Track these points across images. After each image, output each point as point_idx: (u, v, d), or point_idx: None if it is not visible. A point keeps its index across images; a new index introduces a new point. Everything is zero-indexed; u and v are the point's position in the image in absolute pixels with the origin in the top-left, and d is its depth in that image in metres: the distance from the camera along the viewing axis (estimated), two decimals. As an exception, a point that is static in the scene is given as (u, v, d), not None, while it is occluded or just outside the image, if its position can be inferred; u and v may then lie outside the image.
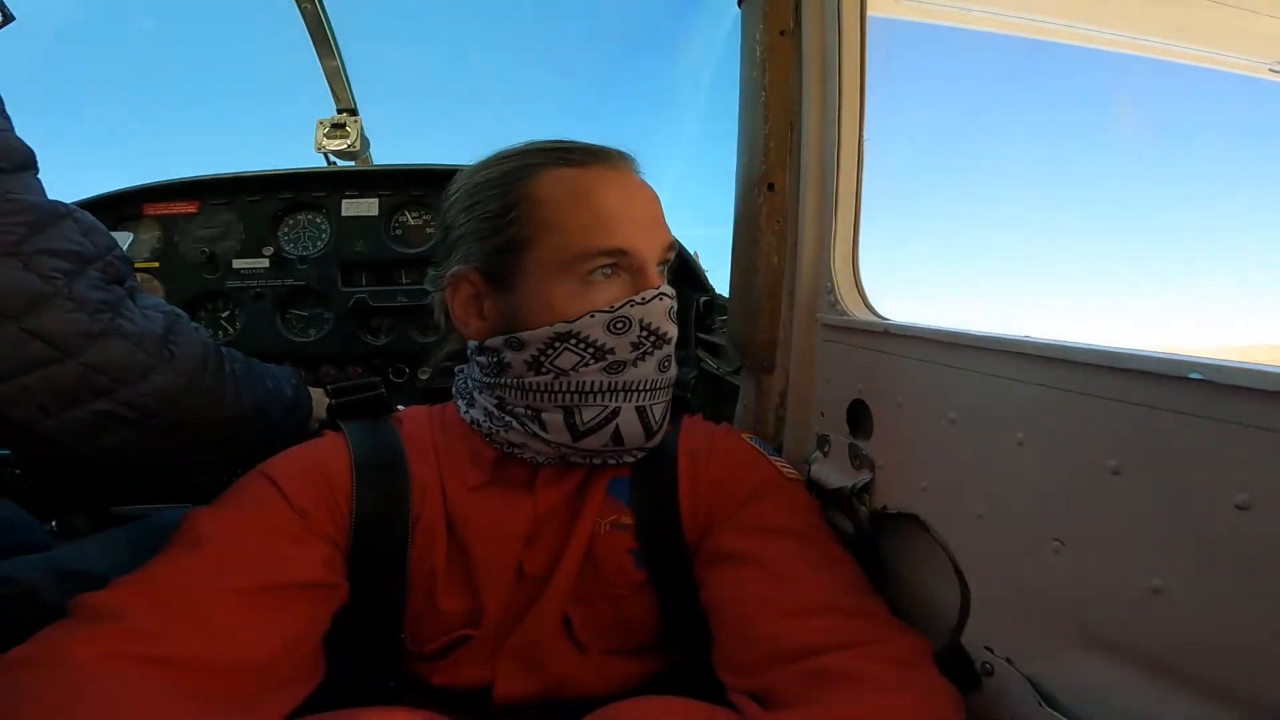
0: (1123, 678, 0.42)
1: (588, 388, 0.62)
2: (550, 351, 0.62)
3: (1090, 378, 0.42)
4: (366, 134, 1.45)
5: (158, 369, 0.61)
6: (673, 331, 0.65)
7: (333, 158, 1.41)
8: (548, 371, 0.63)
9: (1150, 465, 0.39)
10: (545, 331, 0.61)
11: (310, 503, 0.60)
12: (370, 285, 1.25)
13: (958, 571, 0.54)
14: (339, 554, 0.61)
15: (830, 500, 0.69)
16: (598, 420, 0.62)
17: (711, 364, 1.08)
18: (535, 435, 0.64)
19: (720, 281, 1.24)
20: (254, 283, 1.21)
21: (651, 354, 0.63)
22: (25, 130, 0.61)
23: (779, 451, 0.77)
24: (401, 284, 1.25)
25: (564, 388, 0.63)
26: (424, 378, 1.25)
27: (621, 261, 0.62)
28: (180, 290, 1.22)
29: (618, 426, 0.63)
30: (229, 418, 0.69)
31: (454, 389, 0.73)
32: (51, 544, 0.86)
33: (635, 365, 0.62)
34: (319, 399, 0.89)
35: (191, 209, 1.24)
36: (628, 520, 0.66)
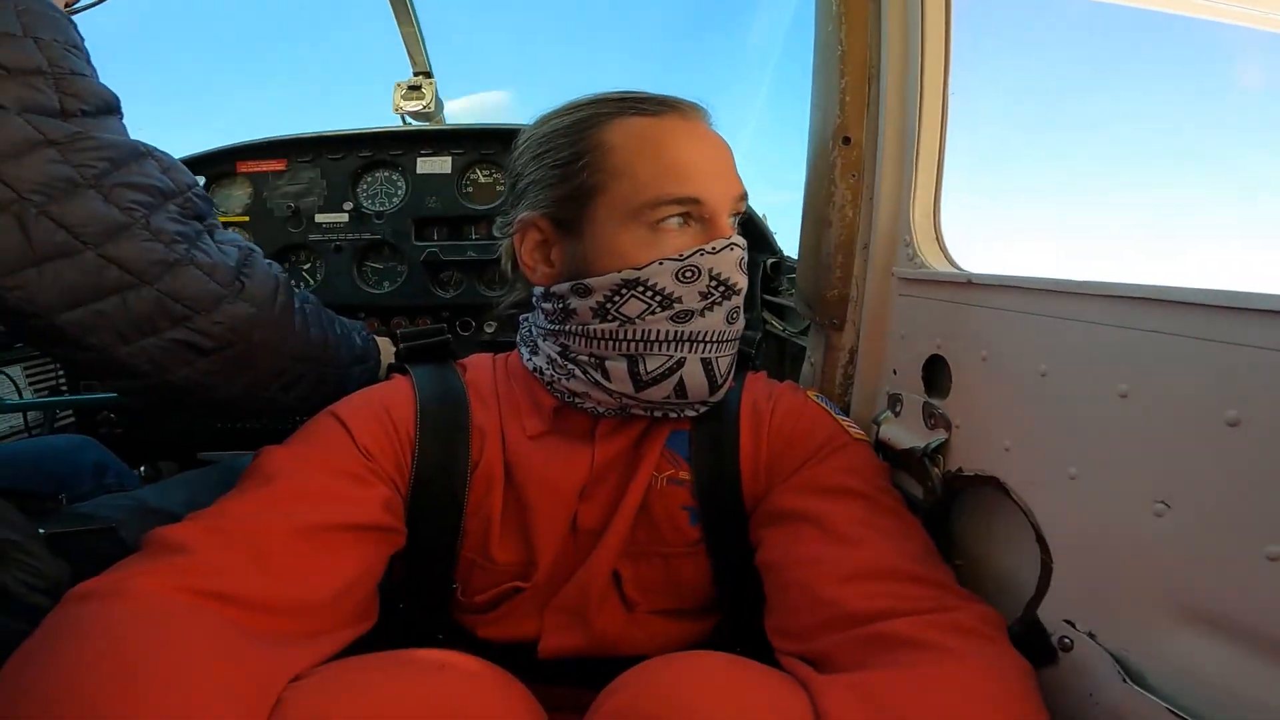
0: (1225, 656, 0.38)
1: (653, 336, 0.60)
2: (617, 298, 0.61)
3: (1209, 321, 0.38)
4: (440, 96, 1.48)
5: (230, 298, 0.63)
6: (743, 282, 0.62)
7: (408, 118, 1.44)
8: (613, 319, 0.61)
9: (1275, 416, 0.34)
10: (613, 278, 0.60)
11: (375, 444, 0.62)
12: (441, 240, 1.28)
13: (1040, 538, 0.50)
14: (399, 498, 0.62)
15: (900, 462, 0.66)
16: (662, 370, 0.61)
17: (777, 325, 1.04)
18: (598, 384, 0.63)
19: (788, 245, 1.20)
20: (334, 236, 1.26)
21: (720, 304, 0.61)
22: (131, 88, 0.64)
23: (846, 411, 0.74)
24: (471, 239, 1.28)
25: (629, 336, 0.61)
26: (489, 331, 1.28)
27: (693, 211, 0.60)
28: (267, 243, 1.28)
29: (682, 378, 0.61)
30: (299, 354, 0.70)
31: (518, 336, 0.73)
32: (138, 487, 0.94)
33: (703, 315, 0.60)
34: (386, 350, 0.91)
35: (279, 166, 1.30)
36: (685, 476, 0.65)
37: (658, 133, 0.62)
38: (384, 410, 0.64)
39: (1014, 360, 0.53)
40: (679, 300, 0.60)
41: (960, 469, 0.59)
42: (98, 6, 0.76)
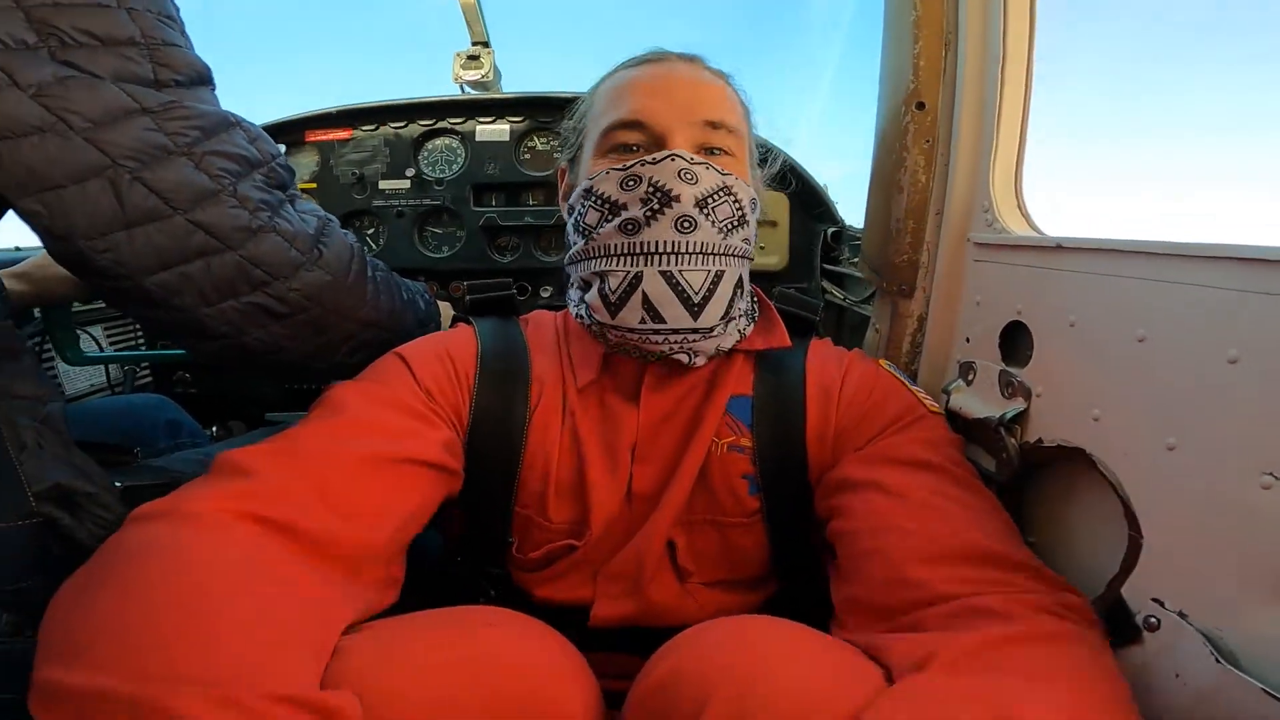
0: None
1: (610, 250, 0.62)
2: (581, 209, 0.65)
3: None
4: (498, 66, 1.48)
5: (307, 265, 0.65)
6: (684, 191, 0.60)
7: (467, 87, 1.45)
8: (582, 232, 0.65)
9: None
10: (579, 191, 0.65)
11: (436, 385, 0.64)
12: (499, 206, 1.30)
13: (1129, 513, 0.48)
14: (458, 440, 0.63)
15: (970, 433, 0.64)
16: (623, 287, 0.61)
17: (837, 294, 1.02)
18: (591, 318, 0.64)
19: (850, 216, 1.17)
20: (396, 202, 1.29)
21: (662, 213, 0.60)
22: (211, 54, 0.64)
23: (913, 380, 0.72)
24: (528, 205, 1.29)
25: (594, 251, 0.64)
26: (545, 295, 1.29)
27: (642, 137, 0.64)
28: (334, 209, 1.31)
29: (644, 294, 0.60)
30: (369, 319, 0.72)
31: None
32: (209, 445, 0.98)
33: (649, 225, 0.60)
34: (446, 314, 0.93)
35: (345, 135, 1.33)
36: (746, 443, 0.64)
37: (624, 76, 0.68)
38: (446, 354, 0.66)
39: (1107, 326, 0.50)
40: (624, 208, 0.62)
41: (1040, 440, 0.57)
42: None
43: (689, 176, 0.60)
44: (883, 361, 0.68)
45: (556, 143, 1.30)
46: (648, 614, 0.63)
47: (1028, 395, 0.58)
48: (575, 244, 0.66)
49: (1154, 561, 0.47)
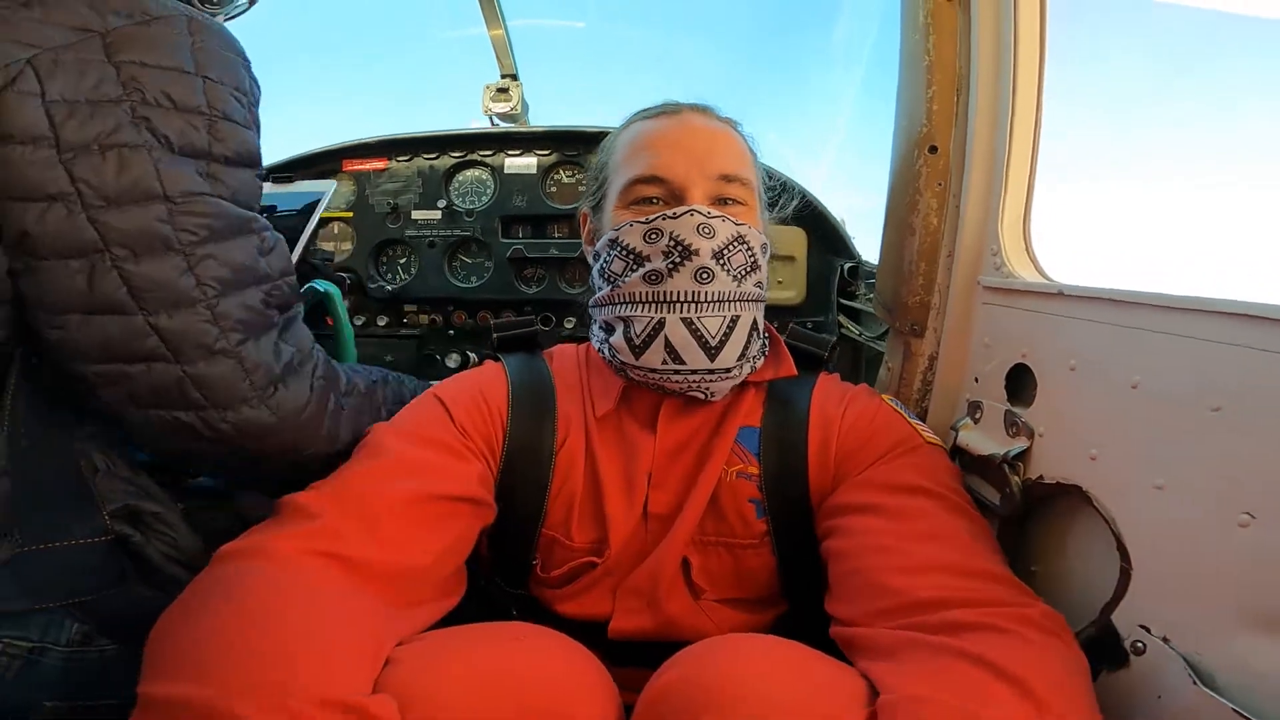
0: None
1: (634, 297, 0.68)
2: (607, 257, 0.71)
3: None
4: (525, 99, 1.55)
5: (252, 402, 0.60)
6: (702, 245, 0.65)
7: (496, 119, 1.52)
8: (608, 279, 0.71)
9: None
10: (604, 239, 0.72)
11: (471, 423, 0.69)
12: (526, 238, 1.35)
13: (1120, 546, 0.52)
14: (491, 475, 0.68)
15: (977, 468, 0.68)
16: (647, 331, 0.66)
17: (853, 329, 1.06)
18: (614, 356, 0.70)
19: (867, 250, 1.21)
20: (429, 232, 1.35)
21: (682, 265, 0.66)
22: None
23: (923, 417, 0.76)
24: (554, 238, 1.34)
25: (619, 298, 0.69)
26: (569, 326, 1.34)
27: (662, 190, 0.69)
28: (368, 237, 1.38)
29: (667, 339, 0.65)
30: (319, 454, 0.67)
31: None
32: None
33: (670, 276, 0.66)
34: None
35: (381, 165, 1.40)
36: (754, 470, 0.69)
37: (642, 130, 0.73)
38: (479, 393, 0.71)
39: (1104, 371, 0.54)
40: (648, 259, 0.67)
41: (1041, 477, 0.60)
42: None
43: (706, 231, 0.66)
44: (887, 397, 0.72)
45: (582, 176, 1.36)
46: (664, 628, 0.67)
47: (1030, 435, 0.62)
48: (601, 289, 0.72)
49: (1142, 591, 0.50)
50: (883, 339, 0.96)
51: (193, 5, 0.64)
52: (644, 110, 0.76)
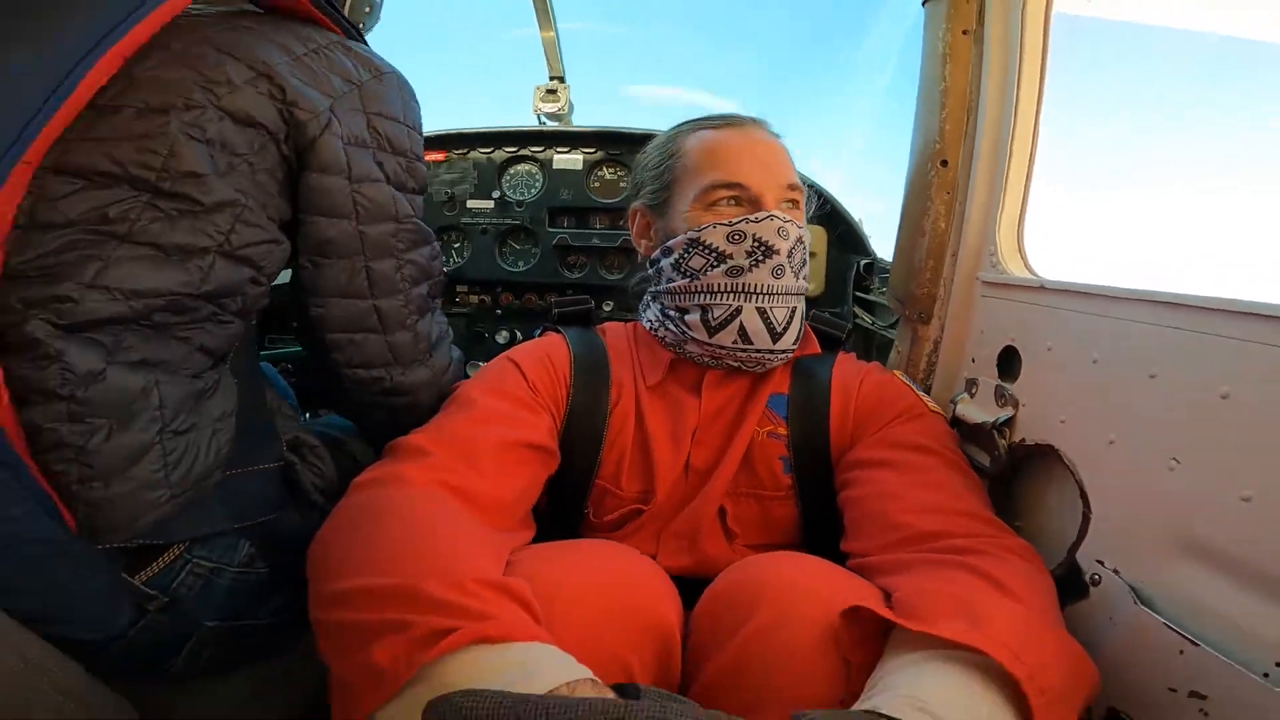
0: (1213, 583, 0.51)
1: (715, 288, 0.78)
2: (686, 254, 0.80)
3: (1211, 319, 0.51)
4: (571, 100, 1.68)
5: (422, 360, 0.80)
6: (781, 245, 0.77)
7: (544, 118, 1.64)
8: (686, 273, 0.80)
9: (1250, 393, 0.48)
10: (682, 238, 0.80)
11: (540, 382, 0.80)
12: (571, 228, 1.47)
13: (1083, 494, 0.63)
14: (556, 429, 0.79)
15: (971, 435, 0.79)
16: (725, 316, 0.77)
17: (866, 319, 1.18)
18: (684, 334, 0.80)
19: (881, 248, 1.32)
20: (482, 220, 1.48)
21: (763, 262, 0.76)
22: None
23: (927, 393, 0.87)
24: (596, 229, 1.47)
25: (698, 289, 0.79)
26: (606, 309, 1.46)
27: (741, 194, 0.78)
28: (427, 223, 1.51)
29: (741, 324, 0.77)
30: (436, 407, 0.81)
31: (640, 306, 0.92)
32: None
33: (750, 271, 0.77)
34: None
35: (439, 157, 1.52)
36: (782, 431, 0.80)
37: (716, 138, 0.83)
38: (546, 356, 0.83)
39: (1073, 350, 0.66)
40: (730, 257, 0.77)
41: (1023, 440, 0.72)
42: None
43: (784, 233, 0.78)
44: (897, 373, 0.84)
45: (624, 173, 1.48)
46: (702, 566, 0.76)
47: (1015, 405, 0.74)
48: (673, 280, 0.81)
49: (1098, 531, 0.62)
50: (892, 328, 1.08)
51: (355, 32, 0.77)
52: (704, 120, 0.85)
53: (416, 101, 0.78)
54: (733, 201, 0.79)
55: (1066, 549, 0.65)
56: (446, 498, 0.62)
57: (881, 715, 0.42)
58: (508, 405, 0.76)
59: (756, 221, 0.77)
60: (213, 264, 0.59)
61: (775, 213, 0.77)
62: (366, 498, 0.61)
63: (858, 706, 0.46)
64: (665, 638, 0.58)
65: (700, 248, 0.79)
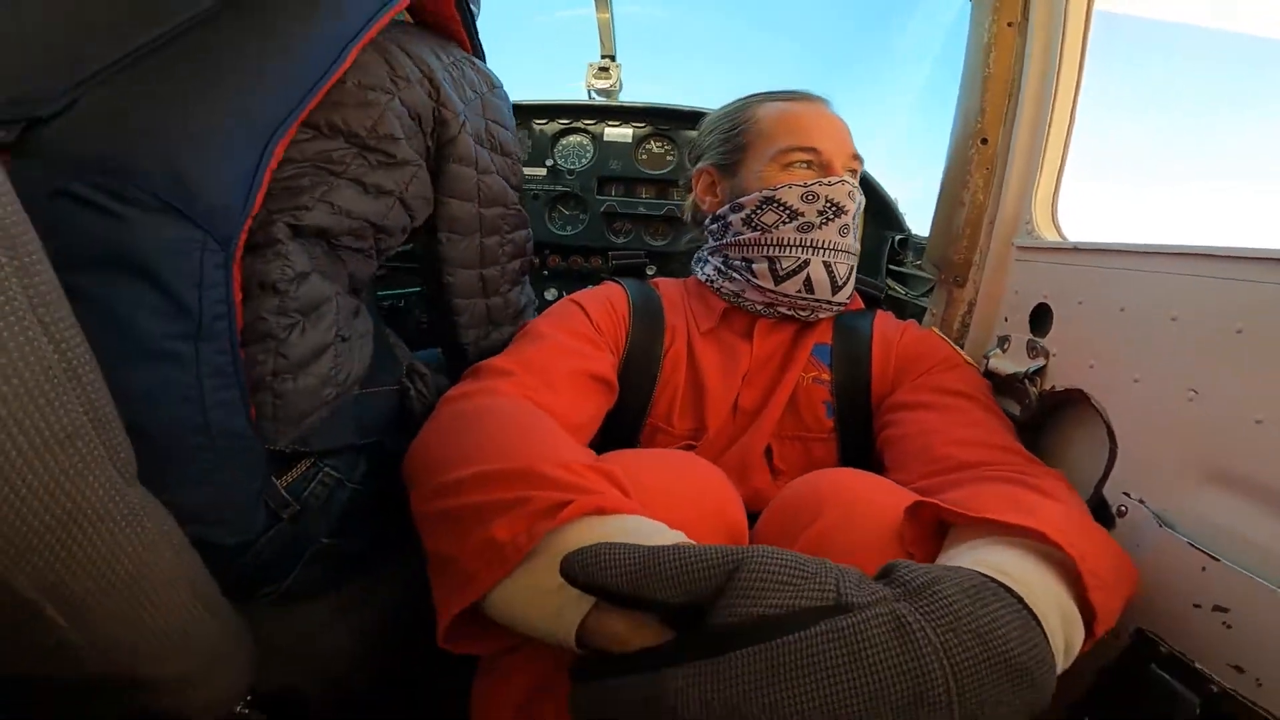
0: (1232, 504, 0.56)
1: (785, 242, 0.85)
2: (759, 211, 0.86)
3: (1227, 265, 0.58)
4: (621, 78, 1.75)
5: (504, 325, 0.94)
6: (851, 206, 0.85)
7: (595, 93, 1.72)
8: (757, 228, 0.87)
9: (1267, 326, 0.55)
10: (756, 196, 0.87)
11: (603, 322, 0.87)
12: (618, 196, 1.55)
13: (1109, 430, 0.70)
14: (615, 365, 0.86)
15: (1002, 386, 0.86)
16: (793, 267, 0.85)
17: (899, 289, 1.25)
18: (749, 282, 0.87)
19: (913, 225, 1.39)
20: (534, 186, 1.55)
21: (831, 220, 0.84)
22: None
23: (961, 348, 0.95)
24: (642, 198, 1.54)
25: (769, 241, 0.86)
26: (650, 274, 1.53)
27: (814, 158, 0.86)
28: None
29: (809, 275, 0.84)
30: None
31: (693, 262, 0.99)
32: None
33: (820, 228, 0.84)
34: None
35: None
36: (826, 377, 0.87)
37: (791, 108, 0.90)
38: (607, 300, 0.90)
39: (1102, 302, 0.73)
40: (802, 215, 0.84)
41: (1053, 386, 0.79)
42: None
43: (853, 196, 0.86)
44: (933, 329, 0.91)
45: (670, 147, 1.55)
46: (749, 499, 0.79)
47: (1046, 356, 0.81)
48: (741, 233, 0.88)
49: (1124, 464, 0.68)
50: (924, 297, 1.16)
51: (480, 51, 0.95)
52: (775, 93, 0.93)
53: (510, 106, 0.93)
54: (805, 165, 0.86)
55: (1094, 485, 0.71)
56: (531, 407, 0.67)
57: (962, 569, 0.42)
58: (575, 340, 0.82)
59: (830, 185, 0.84)
60: (393, 205, 0.72)
61: (845, 178, 0.85)
62: (463, 406, 0.67)
63: None
64: (738, 540, 0.61)
65: (774, 205, 0.86)
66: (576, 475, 0.52)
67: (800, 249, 0.85)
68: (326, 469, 0.67)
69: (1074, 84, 0.90)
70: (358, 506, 0.70)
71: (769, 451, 0.85)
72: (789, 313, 0.88)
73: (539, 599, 0.47)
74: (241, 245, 0.56)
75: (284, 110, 0.60)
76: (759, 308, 0.89)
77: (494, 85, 0.90)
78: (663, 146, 1.56)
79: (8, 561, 0.38)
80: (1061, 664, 0.44)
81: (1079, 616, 0.46)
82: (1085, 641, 0.47)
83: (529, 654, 0.56)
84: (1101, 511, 0.69)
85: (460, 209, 0.82)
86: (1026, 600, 0.41)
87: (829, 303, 0.86)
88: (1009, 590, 0.41)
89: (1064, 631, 0.44)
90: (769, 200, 0.86)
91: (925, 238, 1.09)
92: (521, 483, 0.51)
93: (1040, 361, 0.81)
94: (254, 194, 0.57)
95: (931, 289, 1.09)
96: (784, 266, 0.85)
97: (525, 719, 0.56)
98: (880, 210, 1.39)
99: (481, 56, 0.94)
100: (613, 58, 1.73)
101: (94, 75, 0.54)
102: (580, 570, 0.39)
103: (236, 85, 0.58)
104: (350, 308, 0.71)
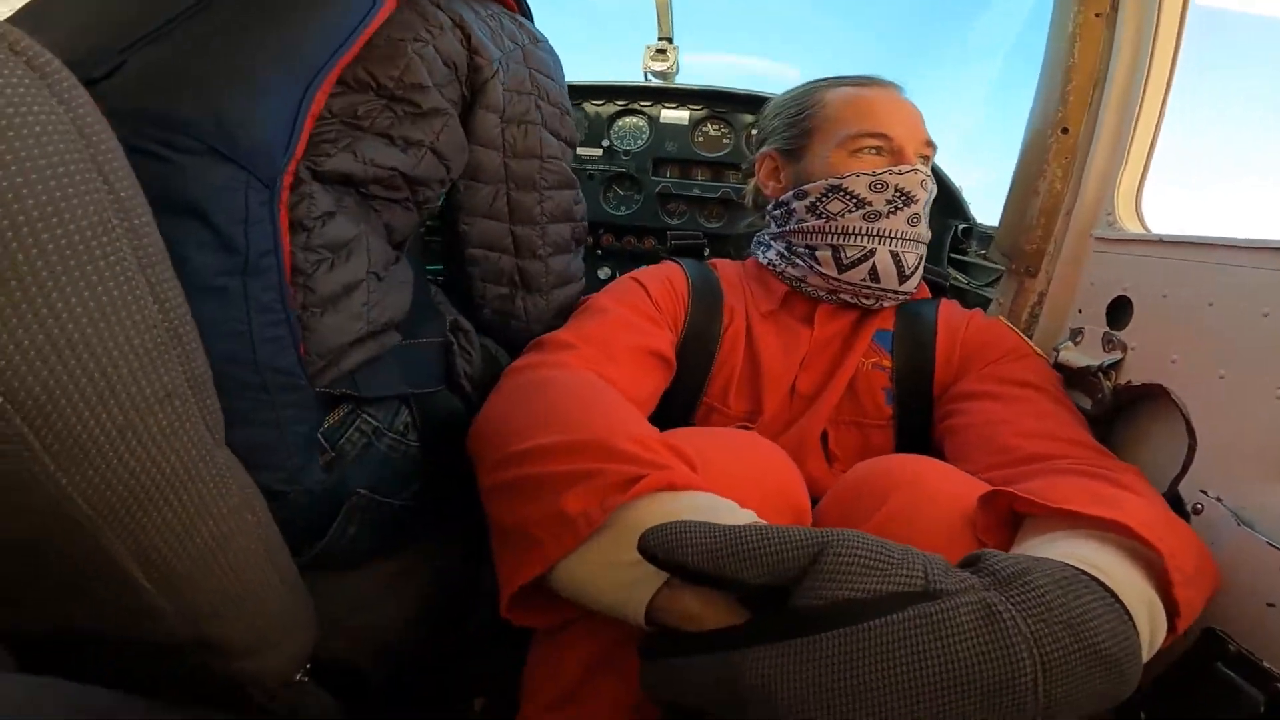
0: None
1: (851, 230, 0.84)
2: (824, 199, 0.85)
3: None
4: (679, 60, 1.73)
5: (543, 292, 0.92)
6: (921, 195, 0.83)
7: (651, 75, 1.71)
8: (821, 216, 0.86)
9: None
10: (822, 184, 0.85)
11: (662, 299, 0.87)
12: (673, 178, 1.55)
13: (1189, 427, 0.68)
14: (674, 343, 0.86)
15: (1073, 380, 0.84)
16: (858, 257, 0.84)
17: (961, 279, 1.23)
18: (812, 269, 0.86)
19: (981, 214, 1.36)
20: (590, 166, 1.56)
21: (900, 210, 0.82)
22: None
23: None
24: (697, 180, 1.54)
25: (833, 229, 0.85)
26: (705, 255, 1.54)
27: (884, 145, 0.84)
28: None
29: (874, 265, 0.83)
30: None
31: (753, 245, 0.98)
32: None
33: (888, 217, 0.82)
34: None
35: None
36: (887, 364, 0.86)
37: (861, 93, 0.88)
38: (666, 279, 0.91)
39: (1188, 295, 0.71)
40: (869, 203, 0.83)
41: (1129, 381, 0.78)
42: None
43: (925, 185, 0.84)
44: (1001, 318, 0.90)
45: (727, 130, 1.54)
46: (807, 484, 0.81)
47: (1124, 349, 0.79)
48: (805, 220, 0.87)
49: (1202, 461, 0.66)
50: (988, 286, 1.14)
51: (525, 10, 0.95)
52: (844, 78, 0.91)
53: (563, 69, 0.94)
54: (875, 151, 0.84)
55: (1169, 482, 0.69)
56: (597, 379, 0.68)
57: (1051, 560, 0.42)
58: (636, 316, 0.83)
59: (901, 173, 0.83)
60: (424, 155, 0.72)
61: (918, 166, 0.83)
62: (530, 377, 0.68)
63: None
64: (801, 522, 0.60)
65: (840, 193, 0.84)
66: (648, 449, 0.52)
67: (866, 237, 0.84)
68: (365, 415, 0.67)
69: (1165, 76, 0.87)
70: (397, 459, 0.70)
71: (825, 437, 0.84)
72: (851, 300, 0.88)
73: (608, 573, 0.46)
74: (287, 188, 0.59)
75: (322, 57, 0.63)
76: (822, 294, 0.89)
77: (538, 39, 0.90)
78: (720, 129, 1.55)
79: (100, 522, 0.39)
80: (1145, 658, 0.43)
81: (1163, 611, 0.46)
82: (1166, 637, 0.46)
83: (590, 627, 0.55)
84: (1176, 508, 0.67)
85: (484, 156, 0.82)
86: (1117, 593, 0.41)
87: (895, 292, 0.85)
88: (1099, 583, 0.41)
89: (1150, 625, 0.44)
90: (835, 188, 0.85)
91: (991, 227, 1.08)
92: (592, 455, 0.51)
93: (1117, 355, 0.80)
94: (296, 137, 0.60)
95: (997, 279, 1.07)
96: (848, 255, 0.84)
97: (584, 691, 0.56)
98: (944, 198, 1.37)
99: (527, 14, 0.95)
100: (670, 39, 1.72)
101: (142, 38, 0.59)
102: (660, 547, 0.39)
103: (276, 34, 0.62)
104: (387, 254, 0.72)
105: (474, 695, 0.88)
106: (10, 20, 0.67)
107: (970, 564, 0.42)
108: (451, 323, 0.83)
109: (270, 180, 0.57)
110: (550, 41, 0.93)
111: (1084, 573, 0.41)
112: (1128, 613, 0.41)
